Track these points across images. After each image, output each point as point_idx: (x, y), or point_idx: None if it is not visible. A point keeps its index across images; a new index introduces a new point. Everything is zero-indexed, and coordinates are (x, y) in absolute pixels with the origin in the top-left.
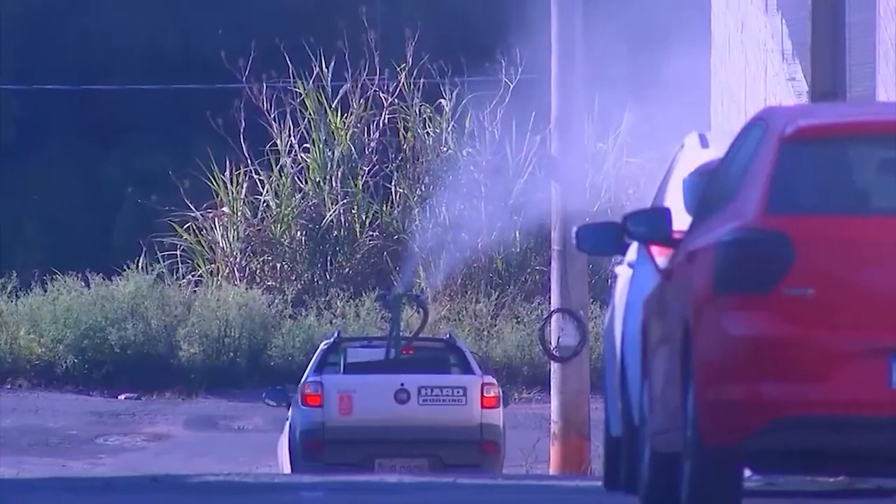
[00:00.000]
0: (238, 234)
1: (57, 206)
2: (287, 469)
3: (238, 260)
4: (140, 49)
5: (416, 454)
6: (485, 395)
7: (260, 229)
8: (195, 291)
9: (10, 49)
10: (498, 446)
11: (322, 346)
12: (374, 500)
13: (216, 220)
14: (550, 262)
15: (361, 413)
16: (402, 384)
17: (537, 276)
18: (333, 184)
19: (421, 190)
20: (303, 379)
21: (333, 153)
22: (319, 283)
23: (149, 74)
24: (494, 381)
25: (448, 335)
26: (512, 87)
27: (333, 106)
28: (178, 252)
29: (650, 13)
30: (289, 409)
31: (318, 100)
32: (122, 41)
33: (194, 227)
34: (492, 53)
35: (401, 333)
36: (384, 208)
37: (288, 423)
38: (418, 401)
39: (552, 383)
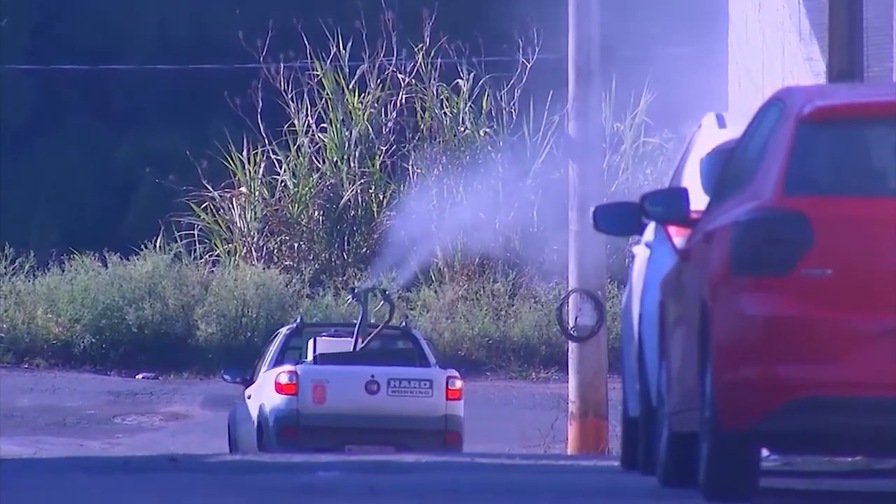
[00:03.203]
0: (255, 213)
1: (72, 187)
2: (247, 449)
3: (255, 240)
4: (155, 29)
5: (385, 442)
6: (449, 387)
7: (277, 209)
8: (212, 271)
9: (25, 30)
10: (460, 436)
11: (284, 330)
12: (392, 480)
13: (234, 199)
14: (568, 242)
15: (334, 402)
16: (373, 376)
17: (555, 257)
18: (351, 164)
19: (438, 170)
20: (265, 361)
21: (351, 133)
22: (337, 262)
23: (163, 55)
24: (458, 374)
25: (404, 323)
26: (529, 67)
27: (351, 86)
28: (196, 232)
29: None
30: (245, 386)
31: (336, 80)
32: (137, 22)
33: (212, 206)
34: (509, 33)
35: (366, 325)
36: (401, 188)
37: (250, 401)
38: (388, 392)
39: (570, 363)
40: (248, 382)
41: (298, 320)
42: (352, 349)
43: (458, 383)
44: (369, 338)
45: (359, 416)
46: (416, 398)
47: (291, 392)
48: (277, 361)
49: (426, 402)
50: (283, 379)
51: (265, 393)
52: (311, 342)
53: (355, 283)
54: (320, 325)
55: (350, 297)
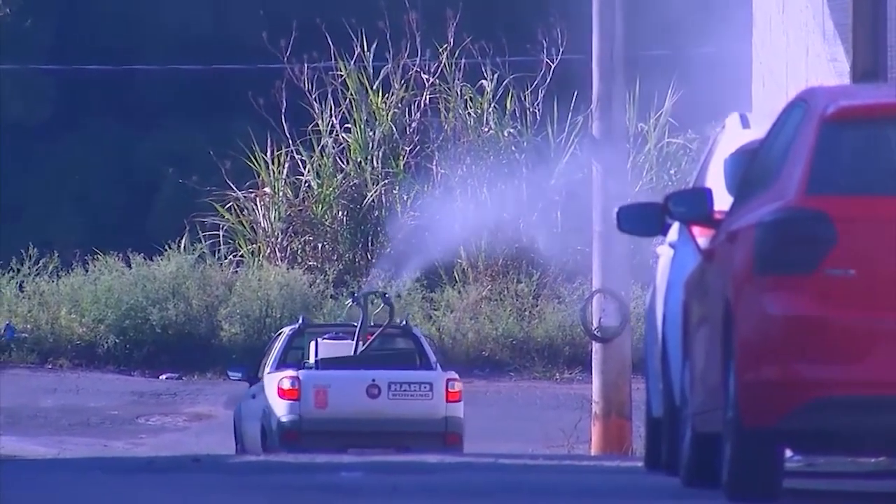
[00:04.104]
0: (279, 214)
1: (96, 187)
2: (251, 447)
3: (279, 240)
4: (178, 30)
5: (386, 445)
6: (449, 390)
7: (301, 209)
8: (236, 272)
9: (47, 30)
10: (460, 437)
11: (287, 330)
12: (414, 480)
13: (258, 200)
14: (591, 243)
15: (336, 406)
16: (374, 380)
17: (578, 257)
18: (375, 164)
19: (462, 170)
20: (268, 361)
21: (375, 133)
22: (360, 263)
23: (187, 55)
24: (457, 376)
25: (404, 322)
26: (553, 67)
27: (375, 86)
28: (220, 232)
29: None
30: (250, 384)
31: (360, 80)
32: (160, 22)
33: (236, 207)
34: (533, 34)
35: (368, 327)
36: (425, 189)
37: (254, 401)
38: (388, 395)
39: (593, 363)
40: (253, 380)
41: (301, 321)
42: (353, 352)
43: (458, 385)
44: (370, 340)
45: (360, 420)
46: (416, 401)
47: (294, 397)
48: (280, 362)
49: (427, 404)
50: (286, 384)
51: (269, 397)
52: (312, 344)
53: (380, 284)
54: (322, 326)
55: (350, 301)
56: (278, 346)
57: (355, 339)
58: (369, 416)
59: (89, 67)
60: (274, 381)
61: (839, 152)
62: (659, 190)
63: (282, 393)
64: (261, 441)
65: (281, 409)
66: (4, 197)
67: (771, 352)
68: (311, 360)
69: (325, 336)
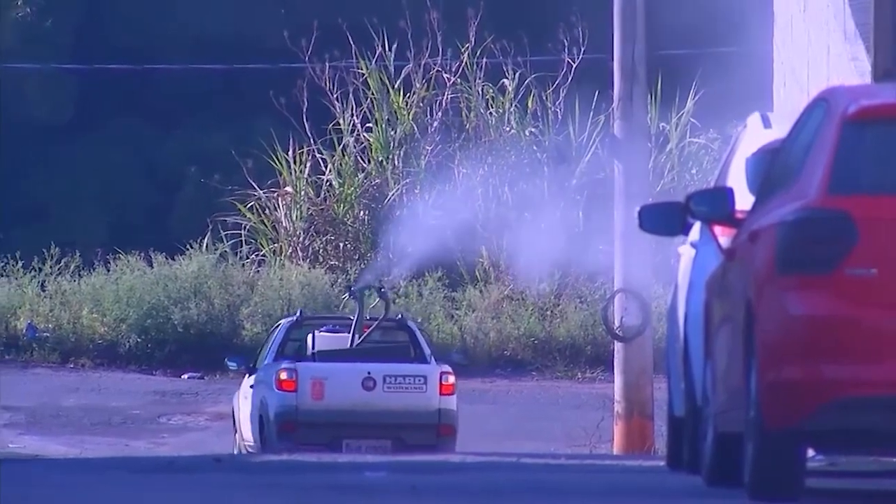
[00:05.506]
0: (301, 213)
1: (117, 186)
2: (248, 436)
3: (301, 239)
4: (200, 29)
5: (381, 436)
6: (443, 382)
7: (323, 209)
8: (258, 271)
9: (68, 29)
10: (454, 429)
11: (285, 322)
12: (439, 480)
13: (279, 199)
14: (613, 242)
15: (332, 398)
16: (369, 372)
17: (600, 257)
18: (396, 163)
19: (483, 170)
20: (265, 352)
21: (396, 133)
22: (391, 265)
23: (208, 54)
24: (451, 369)
25: (400, 315)
26: (574, 66)
27: (396, 86)
28: (242, 232)
29: None
30: (248, 374)
31: (381, 79)
32: (182, 21)
33: (257, 206)
34: (554, 33)
35: (364, 320)
36: (446, 188)
37: (252, 391)
38: (383, 388)
39: (615, 363)
40: (251, 370)
41: (298, 314)
42: (349, 345)
43: (451, 379)
44: (366, 333)
45: (355, 412)
46: (410, 394)
47: (291, 389)
48: (278, 353)
49: (421, 397)
50: (283, 376)
51: (266, 388)
52: (310, 337)
53: (402, 283)
54: (320, 319)
55: (347, 294)
56: (276, 338)
57: (351, 332)
58: (364, 408)
59: (111, 67)
60: (272, 373)
61: (860, 152)
62: (680, 190)
63: (279, 384)
64: (258, 431)
65: (278, 400)
66: (26, 196)
67: (793, 351)
68: (309, 353)
69: (323, 329)
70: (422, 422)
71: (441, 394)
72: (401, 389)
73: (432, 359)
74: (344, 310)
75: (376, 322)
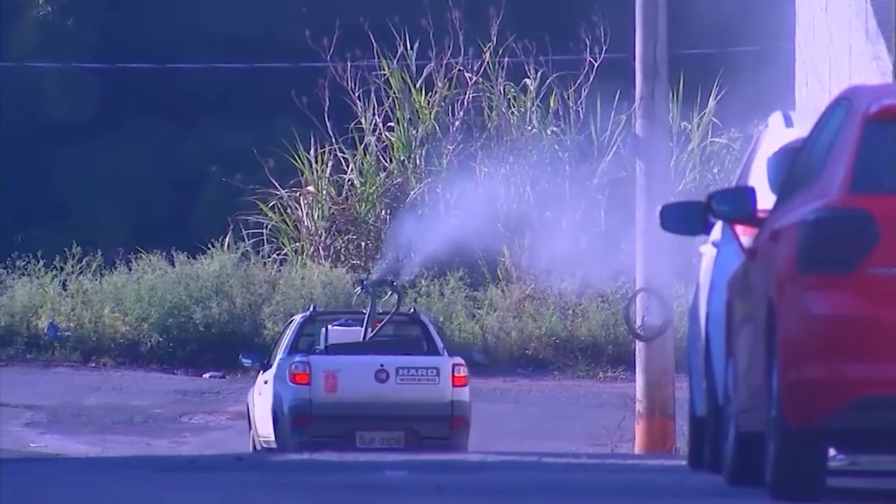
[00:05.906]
0: (323, 212)
1: (139, 186)
2: (264, 431)
3: (323, 238)
4: (221, 28)
5: (394, 428)
6: (455, 374)
7: (345, 208)
8: (280, 270)
9: (90, 29)
10: (467, 421)
11: (298, 318)
12: (459, 479)
13: (301, 198)
14: (635, 242)
15: (345, 391)
16: (382, 365)
17: (622, 256)
18: (418, 162)
19: (505, 169)
20: (279, 348)
21: (418, 132)
22: (403, 261)
23: (230, 54)
24: (463, 361)
25: (412, 309)
26: (596, 65)
27: (418, 85)
28: (263, 231)
29: None
30: (263, 370)
31: (403, 79)
32: (203, 20)
33: (279, 205)
34: (576, 32)
35: (376, 314)
36: (469, 187)
37: (266, 387)
38: (396, 380)
39: (637, 362)
40: (265, 366)
41: (312, 309)
42: (362, 339)
43: (464, 371)
44: (379, 327)
45: (369, 404)
46: (423, 385)
47: (304, 382)
48: (292, 348)
49: (433, 388)
50: (297, 369)
51: (280, 382)
52: (323, 331)
53: (423, 282)
54: (332, 314)
55: (359, 289)
56: (290, 333)
57: (364, 325)
58: (378, 400)
59: (133, 66)
60: (286, 367)
61: (882, 151)
62: (702, 189)
63: (293, 378)
64: (273, 425)
65: (292, 393)
66: (48, 196)
67: (814, 350)
68: (322, 346)
69: (336, 323)
70: (435, 413)
71: (454, 385)
72: (413, 381)
73: (445, 351)
74: (362, 307)
75: (388, 315)
